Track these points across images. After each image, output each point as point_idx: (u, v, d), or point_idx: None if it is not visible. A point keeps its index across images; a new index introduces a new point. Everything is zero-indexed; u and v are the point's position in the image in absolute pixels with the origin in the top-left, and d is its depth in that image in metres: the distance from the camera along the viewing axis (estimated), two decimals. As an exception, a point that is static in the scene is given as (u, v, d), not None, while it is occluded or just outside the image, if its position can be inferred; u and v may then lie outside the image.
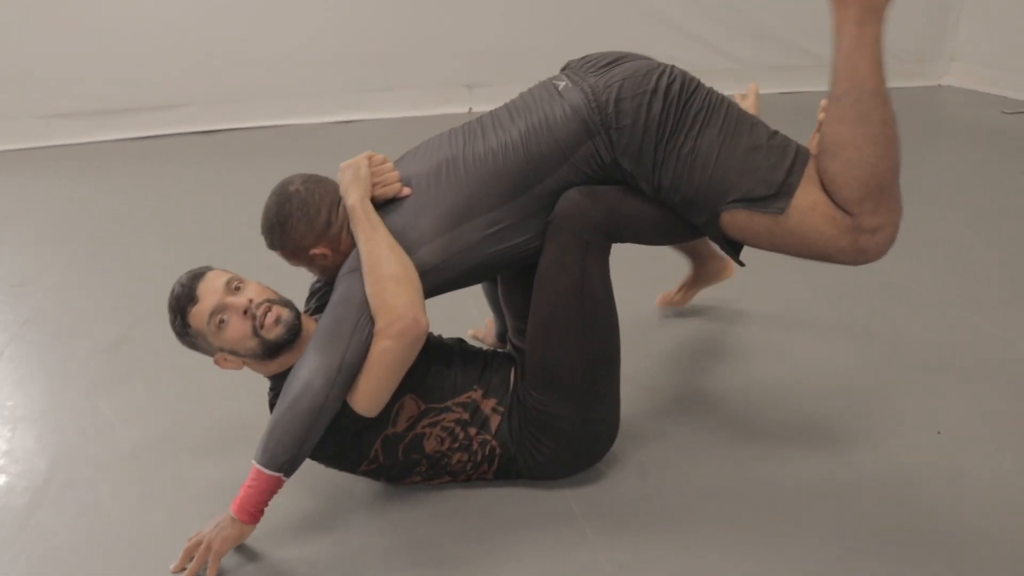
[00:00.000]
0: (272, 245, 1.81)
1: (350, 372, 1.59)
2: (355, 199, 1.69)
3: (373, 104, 5.33)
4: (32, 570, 1.66)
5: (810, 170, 1.60)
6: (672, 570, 1.59)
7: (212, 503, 1.76)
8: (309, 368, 1.58)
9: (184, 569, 1.60)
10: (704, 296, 2.61)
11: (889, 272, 2.77)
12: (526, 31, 5.32)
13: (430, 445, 1.77)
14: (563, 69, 1.83)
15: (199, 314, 1.67)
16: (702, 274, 2.48)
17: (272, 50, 5.08)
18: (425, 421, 1.76)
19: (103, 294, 2.91)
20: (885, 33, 1.53)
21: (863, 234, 1.56)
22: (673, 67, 1.69)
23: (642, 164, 1.64)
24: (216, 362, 1.74)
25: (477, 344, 2.12)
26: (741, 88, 6.12)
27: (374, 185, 1.72)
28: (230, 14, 4.98)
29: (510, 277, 1.88)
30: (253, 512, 1.59)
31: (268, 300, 1.70)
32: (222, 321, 1.67)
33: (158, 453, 2.03)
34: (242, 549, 1.67)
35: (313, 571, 1.62)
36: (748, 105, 2.06)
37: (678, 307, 2.56)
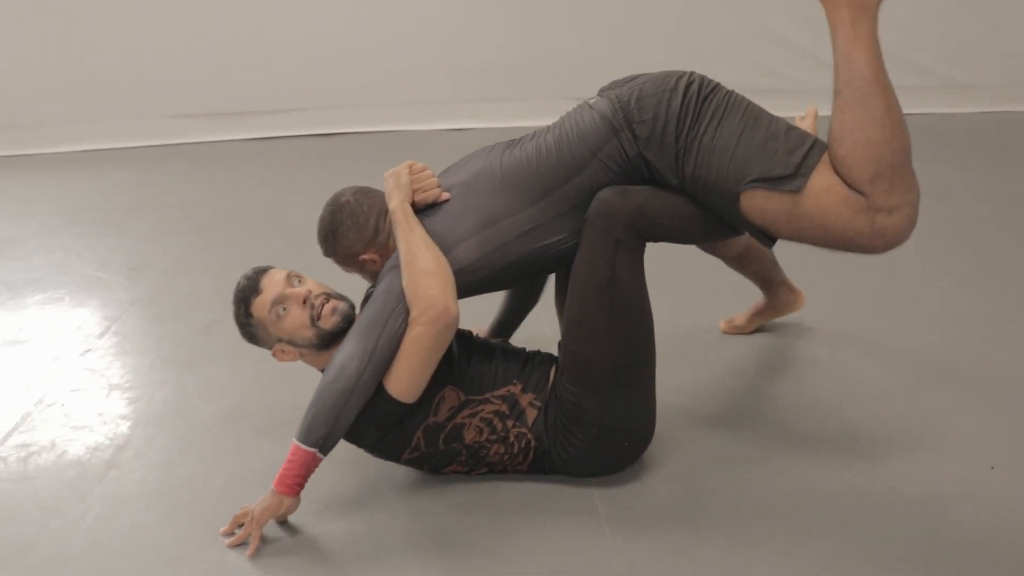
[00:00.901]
0: (326, 252, 1.97)
1: (383, 357, 1.70)
2: (396, 203, 1.82)
3: (484, 113, 5.47)
4: (101, 517, 1.86)
5: (826, 158, 1.64)
6: (682, 576, 1.62)
7: (265, 477, 1.90)
8: (345, 353, 1.71)
9: (233, 534, 1.75)
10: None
11: (972, 302, 2.68)
12: (634, 46, 5.36)
13: (469, 435, 1.85)
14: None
15: (262, 304, 1.81)
16: (773, 303, 2.48)
17: (388, 58, 5.31)
18: (465, 412, 1.85)
19: (204, 282, 3.14)
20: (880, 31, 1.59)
21: (879, 214, 1.59)
22: (693, 72, 1.77)
23: (664, 154, 1.72)
24: (274, 354, 1.87)
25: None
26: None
27: (414, 191, 1.85)
28: (349, 23, 5.24)
29: (562, 279, 1.96)
30: (291, 485, 1.72)
31: (326, 293, 1.84)
32: (284, 309, 1.80)
33: (226, 428, 2.20)
34: (285, 523, 1.80)
35: (340, 547, 1.74)
36: (806, 126, 2.06)
37: (741, 332, 2.55)
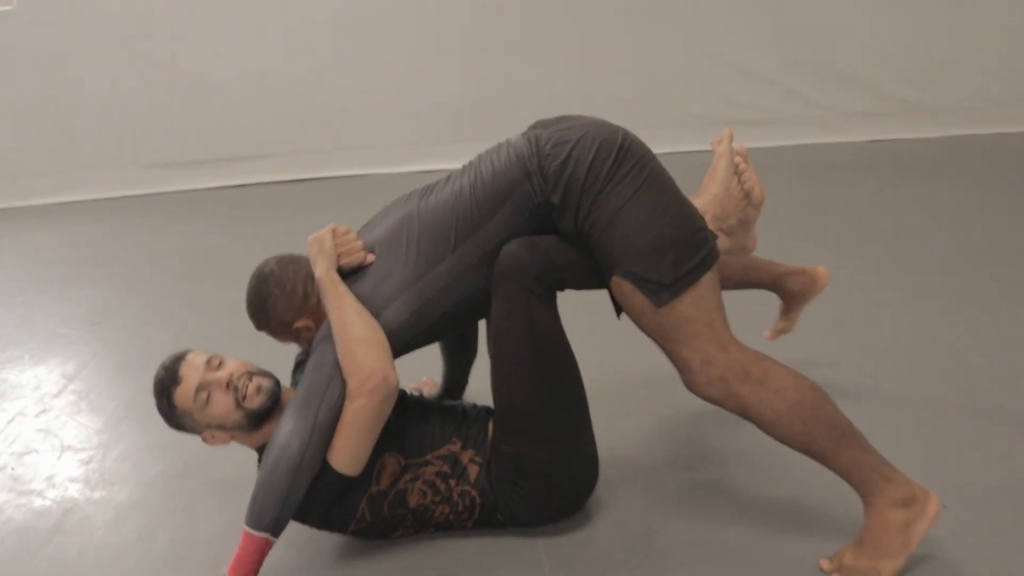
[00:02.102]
0: (258, 326, 1.94)
1: (324, 431, 1.68)
2: (322, 271, 1.79)
3: (453, 154, 5.50)
4: (41, 589, 1.83)
5: (709, 280, 1.68)
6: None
7: (210, 536, 1.89)
8: (285, 431, 1.68)
9: None
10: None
11: (933, 331, 2.69)
12: (596, 80, 5.40)
13: (414, 499, 1.84)
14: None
15: (184, 393, 1.77)
16: (793, 296, 2.38)
17: (355, 102, 5.34)
18: (407, 476, 1.83)
19: (165, 334, 3.12)
20: None
21: (713, 368, 1.67)
22: (627, 132, 1.75)
23: (567, 201, 1.70)
24: (204, 439, 1.83)
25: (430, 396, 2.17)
26: (822, 136, 5.97)
27: (339, 256, 1.81)
28: (315, 70, 5.28)
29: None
30: (245, 572, 1.67)
31: (248, 372, 1.80)
32: (208, 397, 1.77)
33: (175, 486, 2.18)
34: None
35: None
36: (721, 151, 2.02)
37: (790, 331, 2.45)
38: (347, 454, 1.71)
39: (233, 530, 1.81)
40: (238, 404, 1.77)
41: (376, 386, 1.67)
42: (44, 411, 2.64)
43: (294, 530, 1.87)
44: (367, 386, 1.67)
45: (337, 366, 1.70)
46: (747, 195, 2.00)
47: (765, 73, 5.51)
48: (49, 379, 2.86)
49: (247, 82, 5.24)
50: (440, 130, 5.44)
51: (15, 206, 5.16)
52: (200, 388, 1.76)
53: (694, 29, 5.42)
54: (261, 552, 1.68)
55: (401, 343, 1.78)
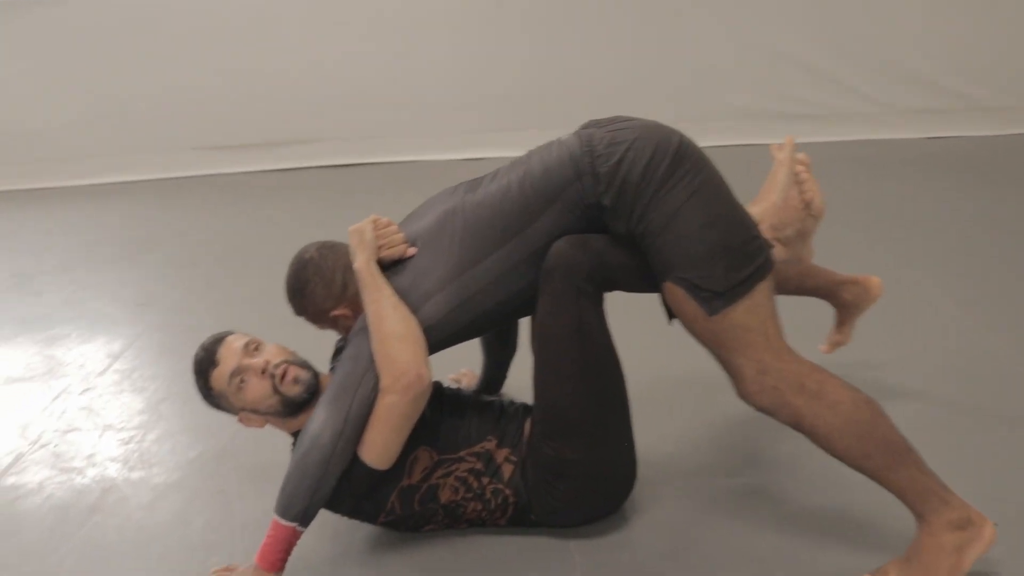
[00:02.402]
0: (297, 311, 1.93)
1: (356, 425, 1.67)
2: (361, 263, 1.77)
3: (501, 142, 5.47)
4: (77, 566, 1.86)
5: (764, 288, 1.62)
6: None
7: (245, 521, 1.89)
8: (318, 422, 1.67)
9: None
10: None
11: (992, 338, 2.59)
12: (653, 72, 5.32)
13: (445, 495, 1.82)
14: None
15: (220, 376, 1.77)
16: (846, 306, 2.32)
17: (407, 88, 5.34)
18: (439, 472, 1.81)
19: (209, 317, 3.14)
20: None
21: (768, 376, 1.62)
22: (683, 135, 1.69)
23: (620, 203, 1.65)
24: (240, 420, 1.83)
25: (454, 387, 2.14)
26: (879, 132, 5.84)
27: (380, 247, 1.79)
28: (368, 55, 5.28)
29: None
30: (272, 561, 1.67)
31: (285, 361, 1.79)
32: (242, 381, 1.77)
33: (213, 470, 2.20)
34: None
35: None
36: (782, 157, 1.96)
37: (846, 344, 2.39)
38: (378, 449, 1.69)
39: (268, 517, 1.80)
40: (275, 390, 1.77)
41: (409, 384, 1.65)
42: (88, 389, 2.67)
43: (326, 521, 1.86)
44: (400, 383, 1.65)
45: (371, 360, 1.69)
46: (807, 206, 1.93)
47: (821, 68, 5.37)
48: (95, 358, 2.89)
49: (298, 67, 5.26)
50: (491, 119, 5.41)
51: (70, 185, 5.25)
52: (235, 373, 1.76)
53: (750, 22, 5.31)
54: (289, 541, 1.67)
55: (439, 338, 1.75)
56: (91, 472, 2.22)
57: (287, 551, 1.68)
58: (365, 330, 1.73)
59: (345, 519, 1.87)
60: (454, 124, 5.43)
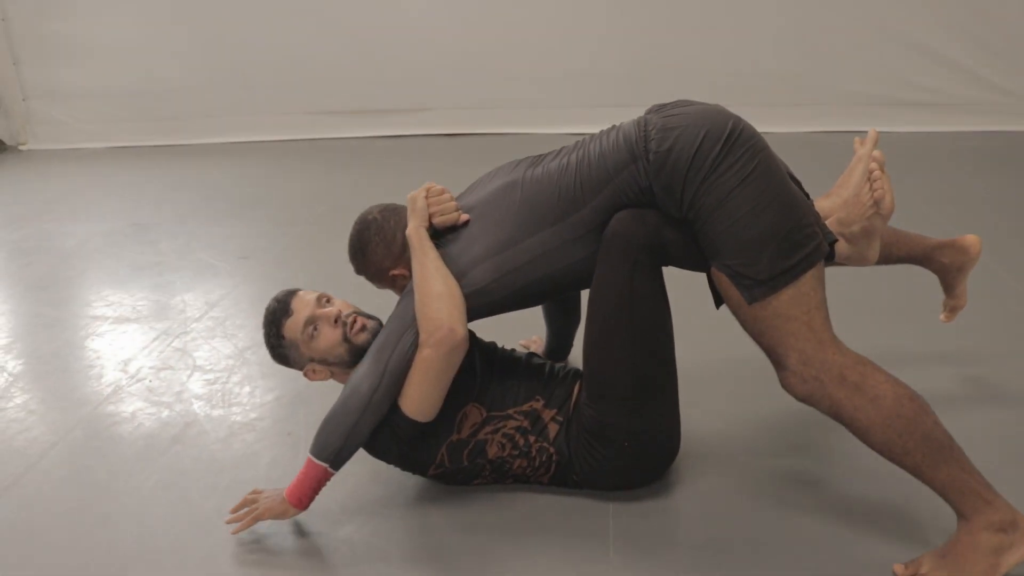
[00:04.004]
0: (358, 270, 2.03)
1: (394, 377, 1.76)
2: (411, 228, 1.86)
3: (610, 117, 5.46)
4: (158, 487, 2.03)
5: (811, 278, 1.62)
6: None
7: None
8: (360, 374, 1.78)
9: (238, 521, 1.82)
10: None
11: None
12: (757, 54, 5.20)
13: (492, 451, 1.89)
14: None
15: (294, 325, 1.89)
16: (947, 270, 2.24)
17: (515, 61, 5.40)
18: (488, 428, 1.89)
19: (303, 273, 3.33)
20: None
21: (809, 368, 1.62)
22: (740, 120, 1.69)
23: (671, 187, 1.67)
24: (305, 374, 1.94)
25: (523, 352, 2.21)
26: (1004, 124, 5.57)
27: (432, 215, 1.87)
28: (481, 26, 5.37)
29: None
30: (300, 497, 1.79)
31: (355, 312, 1.91)
32: (315, 330, 1.88)
33: (283, 414, 2.35)
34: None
35: (337, 555, 1.80)
36: (864, 152, 1.92)
37: (963, 307, 2.31)
38: (415, 400, 1.78)
39: None
40: (345, 338, 1.87)
41: (443, 338, 1.73)
42: (184, 333, 2.88)
43: (379, 471, 1.99)
44: (435, 337, 1.73)
45: (414, 318, 1.77)
46: (876, 204, 1.89)
47: (945, 54, 5.13)
48: (194, 304, 3.11)
49: (409, 37, 5.40)
50: (602, 94, 5.41)
51: (192, 143, 5.59)
52: (308, 321, 1.87)
53: (870, 3, 5.11)
54: (320, 480, 1.78)
55: (484, 303, 1.82)
56: (178, 407, 2.41)
57: (316, 490, 1.79)
58: (412, 292, 1.82)
59: (400, 472, 1.97)
60: (556, 98, 5.46)
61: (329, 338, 1.88)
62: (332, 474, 1.79)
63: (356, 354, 1.88)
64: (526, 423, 1.89)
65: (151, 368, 2.65)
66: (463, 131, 5.54)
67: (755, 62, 5.20)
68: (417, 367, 1.76)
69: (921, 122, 5.14)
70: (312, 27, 5.42)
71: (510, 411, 1.89)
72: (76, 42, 5.57)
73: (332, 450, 1.76)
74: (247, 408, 2.39)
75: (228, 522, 1.82)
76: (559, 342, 2.38)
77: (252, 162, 5.16)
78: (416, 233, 1.85)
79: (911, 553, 1.67)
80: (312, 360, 1.92)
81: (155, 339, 2.84)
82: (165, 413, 2.38)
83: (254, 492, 1.86)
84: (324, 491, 1.82)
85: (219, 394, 2.47)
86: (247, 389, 2.49)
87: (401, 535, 1.84)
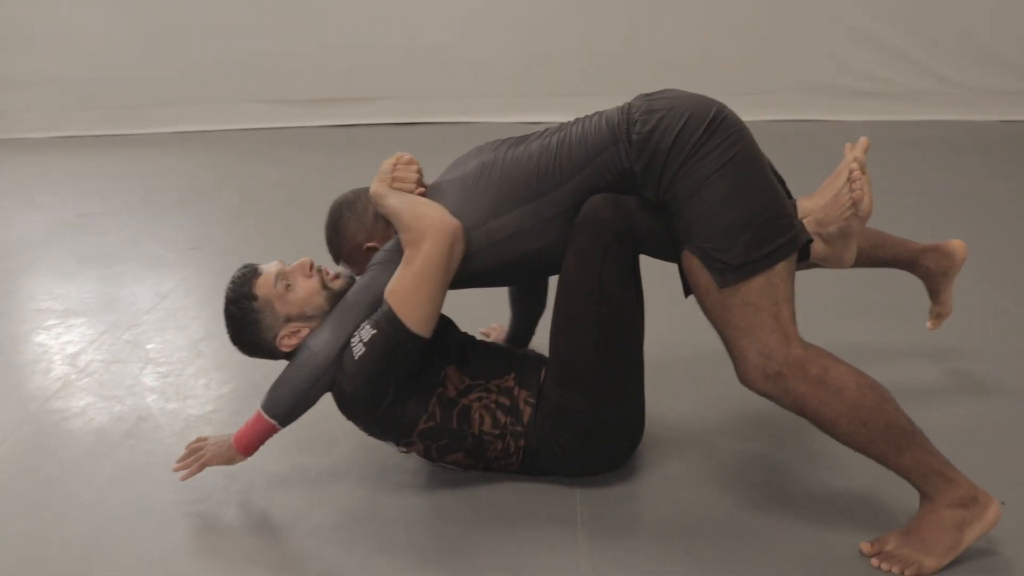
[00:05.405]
0: (336, 255, 2.02)
1: (350, 358, 1.73)
2: (374, 187, 1.89)
3: (564, 107, 5.46)
4: (110, 482, 1.97)
5: (782, 269, 1.61)
6: (643, 586, 1.59)
7: (265, 455, 1.97)
8: (320, 340, 1.76)
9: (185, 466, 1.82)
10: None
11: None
12: (719, 44, 5.24)
13: (475, 420, 1.84)
14: None
15: (266, 281, 1.83)
16: (932, 275, 2.25)
17: (470, 50, 5.38)
18: (472, 395, 1.85)
19: (258, 262, 3.24)
20: None
21: (771, 362, 1.60)
22: (723, 107, 1.69)
23: (650, 168, 1.66)
24: (279, 343, 1.83)
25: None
26: (950, 113, 5.69)
27: (393, 180, 1.88)
28: (433, 15, 5.33)
29: None
30: (247, 446, 1.79)
31: (321, 266, 1.89)
32: (288, 286, 1.83)
33: (239, 406, 2.29)
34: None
35: (316, 544, 1.77)
36: (850, 159, 1.91)
37: (949, 314, 2.32)
38: (420, 309, 1.71)
39: (288, 454, 1.98)
40: (323, 285, 1.84)
41: (443, 226, 1.73)
42: (135, 325, 2.80)
43: (344, 457, 1.96)
44: (434, 227, 1.73)
45: (381, 294, 1.74)
46: (854, 204, 1.89)
47: (892, 44, 5.22)
48: (144, 296, 3.03)
49: (363, 24, 5.34)
50: (554, 84, 5.41)
51: (140, 133, 5.45)
52: (280, 276, 1.83)
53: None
54: (266, 434, 1.79)
55: (459, 276, 1.80)
56: (130, 401, 2.34)
57: (262, 441, 1.80)
58: (382, 263, 1.80)
59: (366, 461, 1.95)
60: (517, 87, 5.45)
61: (306, 287, 1.83)
62: (280, 429, 1.79)
63: (335, 300, 1.84)
64: (505, 400, 1.85)
65: (101, 361, 2.57)
66: (420, 120, 5.50)
67: (704, 51, 5.24)
68: (420, 263, 1.72)
69: (869, 111, 5.22)
70: (263, 14, 5.33)
71: (490, 383, 1.87)
72: (17, 29, 5.40)
73: (281, 411, 1.76)
74: (202, 401, 2.33)
75: (176, 470, 1.81)
76: (522, 328, 2.37)
77: (202, 152, 5.05)
78: (379, 187, 1.87)
79: (877, 531, 1.69)
80: (289, 319, 1.83)
81: (104, 332, 2.76)
82: (117, 407, 2.31)
83: (199, 440, 1.84)
84: (288, 483, 1.81)
85: (173, 387, 2.40)
86: (202, 381, 2.43)
87: (367, 525, 1.80)
